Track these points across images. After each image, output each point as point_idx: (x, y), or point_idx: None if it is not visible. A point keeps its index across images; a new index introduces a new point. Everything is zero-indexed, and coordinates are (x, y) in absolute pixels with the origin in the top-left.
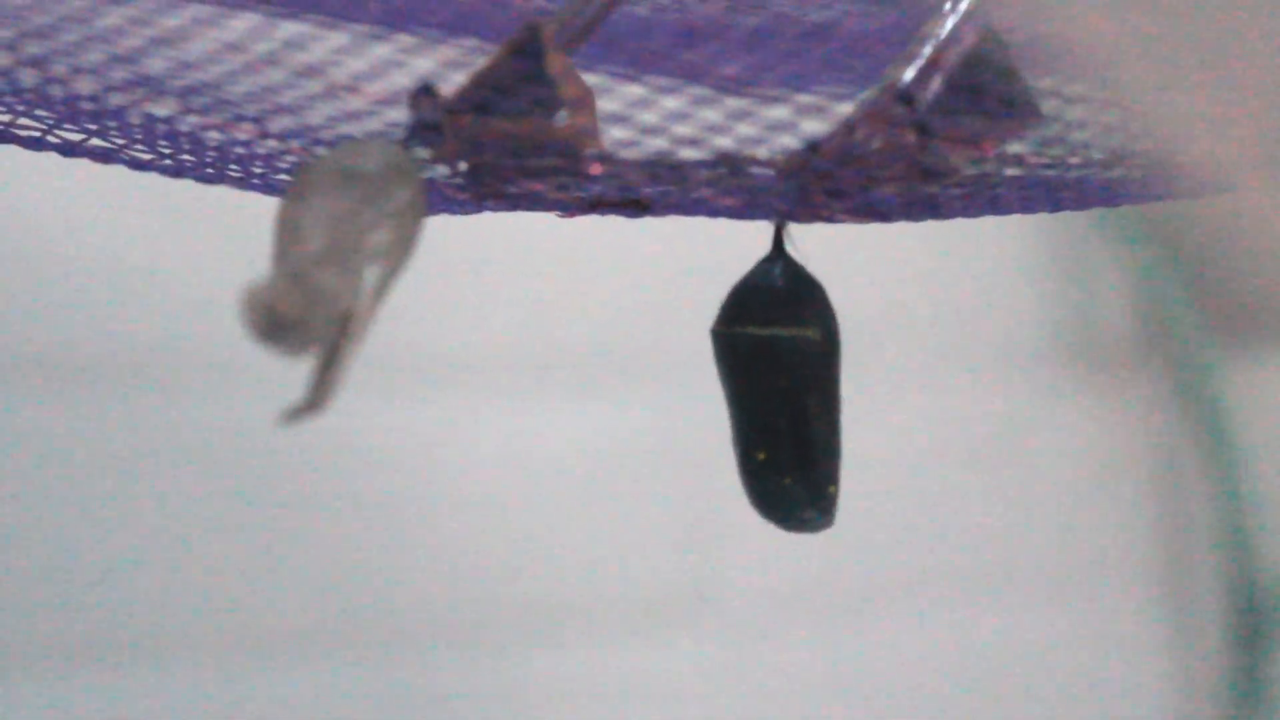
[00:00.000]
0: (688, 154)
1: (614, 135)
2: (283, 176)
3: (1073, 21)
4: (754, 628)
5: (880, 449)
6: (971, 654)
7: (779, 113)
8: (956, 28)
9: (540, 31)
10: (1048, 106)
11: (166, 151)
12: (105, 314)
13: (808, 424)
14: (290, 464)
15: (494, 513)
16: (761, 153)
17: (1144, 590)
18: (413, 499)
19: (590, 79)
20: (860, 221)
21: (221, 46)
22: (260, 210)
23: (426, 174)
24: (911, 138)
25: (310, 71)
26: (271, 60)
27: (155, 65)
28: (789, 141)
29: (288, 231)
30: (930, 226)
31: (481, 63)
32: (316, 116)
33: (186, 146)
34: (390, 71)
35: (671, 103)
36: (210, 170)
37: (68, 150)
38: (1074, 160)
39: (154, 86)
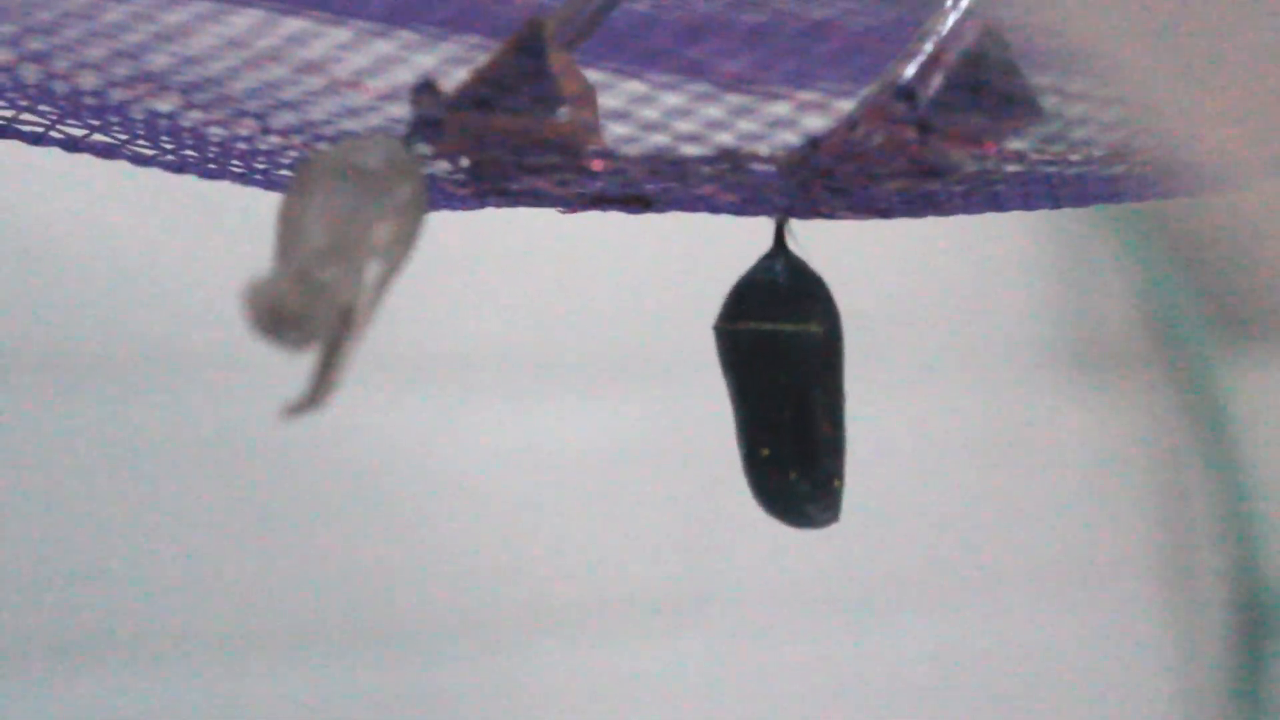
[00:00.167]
0: (689, 150)
1: (615, 131)
2: (284, 172)
3: (1073, 18)
4: (756, 627)
5: (883, 447)
6: (973, 653)
7: (780, 109)
8: (957, 25)
9: (542, 28)
10: (1048, 103)
11: (169, 147)
12: (105, 311)
13: (811, 419)
14: (290, 462)
15: (495, 511)
16: (763, 149)
17: (1146, 590)
18: (414, 497)
19: (592, 75)
20: (861, 218)
21: (224, 42)
22: (262, 206)
23: (428, 170)
24: (912, 134)
25: (312, 67)
26: (274, 56)
27: (158, 61)
28: (790, 138)
29: (289, 227)
30: (932, 223)
31: (483, 59)
32: (318, 112)
33: (189, 142)
34: (392, 67)
35: (673, 99)
36: (212, 166)
37: (70, 146)
38: (1075, 157)
39: (156, 82)
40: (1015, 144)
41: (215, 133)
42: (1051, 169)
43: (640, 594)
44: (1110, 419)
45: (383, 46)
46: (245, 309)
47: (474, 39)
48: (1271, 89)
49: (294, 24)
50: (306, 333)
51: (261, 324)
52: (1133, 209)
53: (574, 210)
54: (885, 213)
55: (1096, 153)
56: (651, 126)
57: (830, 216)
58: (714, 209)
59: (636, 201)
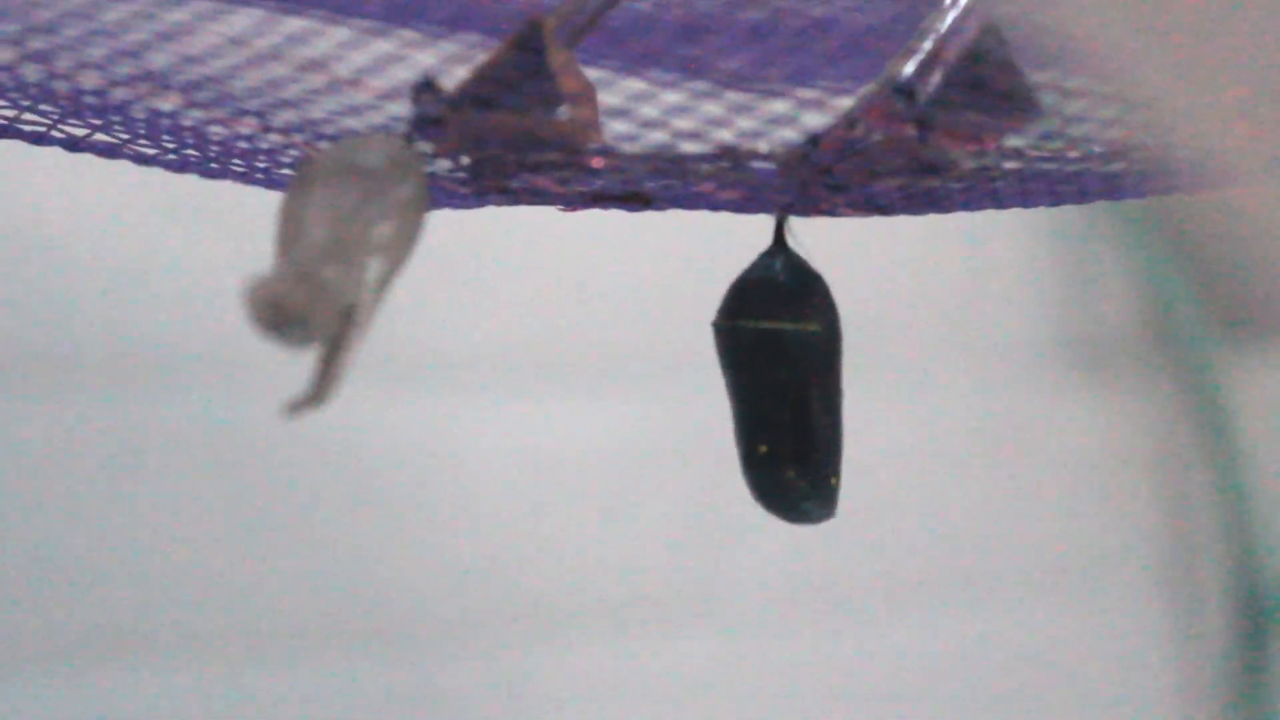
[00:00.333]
0: (689, 148)
1: (615, 129)
2: (286, 171)
3: (1073, 16)
4: (756, 626)
5: (884, 446)
6: (973, 651)
7: (780, 107)
8: (957, 22)
9: (542, 26)
10: (1047, 101)
11: (170, 146)
12: (106, 310)
13: (809, 416)
14: (291, 462)
15: (497, 510)
16: (763, 146)
17: (1146, 589)
18: (415, 497)
19: (591, 73)
20: (861, 215)
21: (225, 41)
22: (263, 205)
23: (429, 168)
24: (912, 132)
25: (313, 66)
26: (275, 55)
27: (159, 60)
28: (790, 135)
29: (291, 226)
30: (932, 221)
31: (483, 57)
32: (319, 111)
33: (190, 141)
34: (393, 66)
35: (673, 97)
36: (214, 165)
37: (72, 145)
38: (1073, 154)
39: (158, 81)
40: (1014, 141)
41: (216, 132)
42: (1050, 166)
43: (640, 594)
44: (1111, 417)
45: (383, 45)
46: (247, 307)
47: (474, 37)
48: (1272, 85)
49: (295, 23)
50: (308, 331)
51: (263, 322)
52: (1133, 207)
53: (574, 208)
54: (885, 210)
55: (1095, 150)
56: (651, 124)
57: (830, 214)
58: (714, 206)
59: (636, 199)
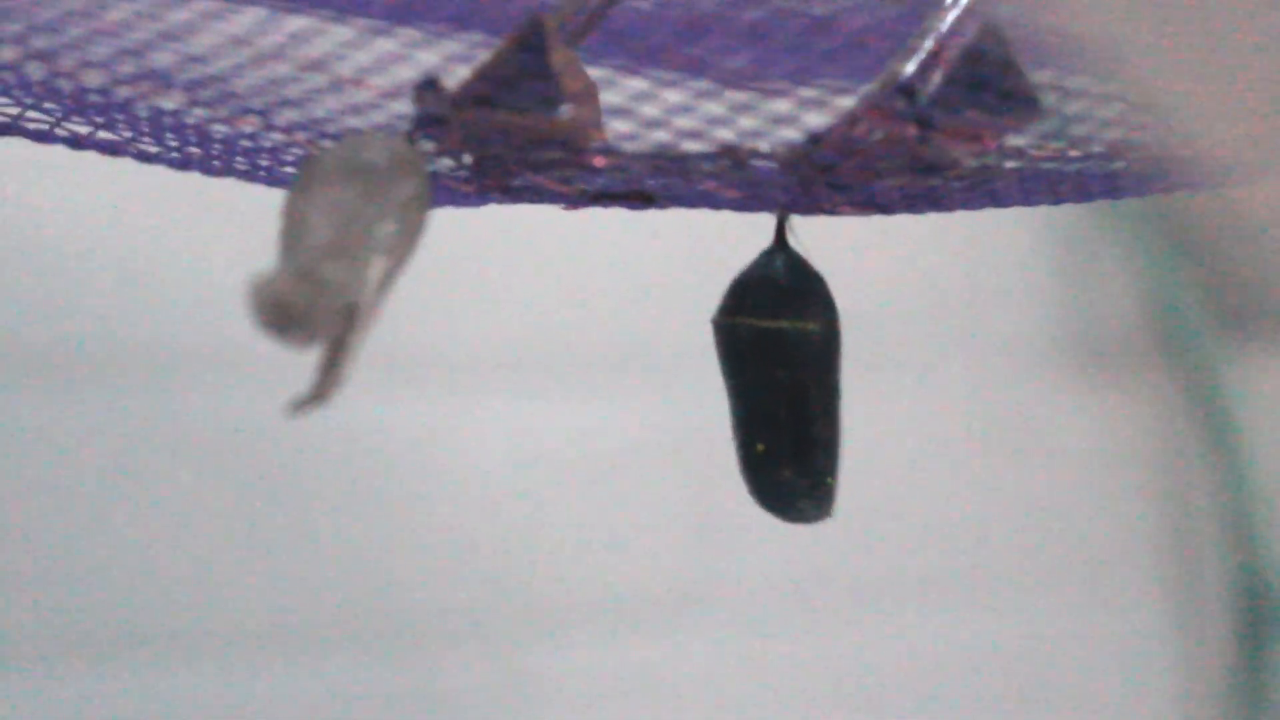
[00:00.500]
0: (690, 147)
1: (617, 128)
2: (288, 169)
3: (1074, 15)
4: (757, 625)
5: (884, 444)
6: (973, 651)
7: (781, 106)
8: (958, 22)
9: (544, 25)
10: (1048, 100)
11: (173, 144)
12: (108, 308)
13: (807, 416)
14: (292, 461)
15: (498, 510)
16: (764, 145)
17: (1147, 588)
18: (416, 496)
19: (593, 72)
20: (862, 213)
21: (228, 40)
22: (265, 203)
23: (431, 167)
24: (912, 131)
25: (316, 65)
26: (277, 54)
27: (162, 59)
28: (791, 134)
29: (293, 224)
30: (933, 220)
31: (485, 56)
32: (322, 110)
33: (193, 139)
34: (395, 65)
35: (674, 96)
36: (216, 163)
37: (75, 143)
38: (1074, 153)
39: (161, 80)
40: (1015, 140)
41: (219, 130)
42: (1051, 165)
43: (641, 592)
44: (1112, 417)
45: (386, 44)
46: (250, 306)
47: (476, 36)
48: (1274, 84)
49: (297, 22)
50: (311, 330)
51: (266, 321)
52: (1133, 206)
53: (576, 207)
54: (886, 209)
55: (1096, 149)
56: (653, 123)
57: (831, 212)
58: (715, 205)
59: (638, 198)
